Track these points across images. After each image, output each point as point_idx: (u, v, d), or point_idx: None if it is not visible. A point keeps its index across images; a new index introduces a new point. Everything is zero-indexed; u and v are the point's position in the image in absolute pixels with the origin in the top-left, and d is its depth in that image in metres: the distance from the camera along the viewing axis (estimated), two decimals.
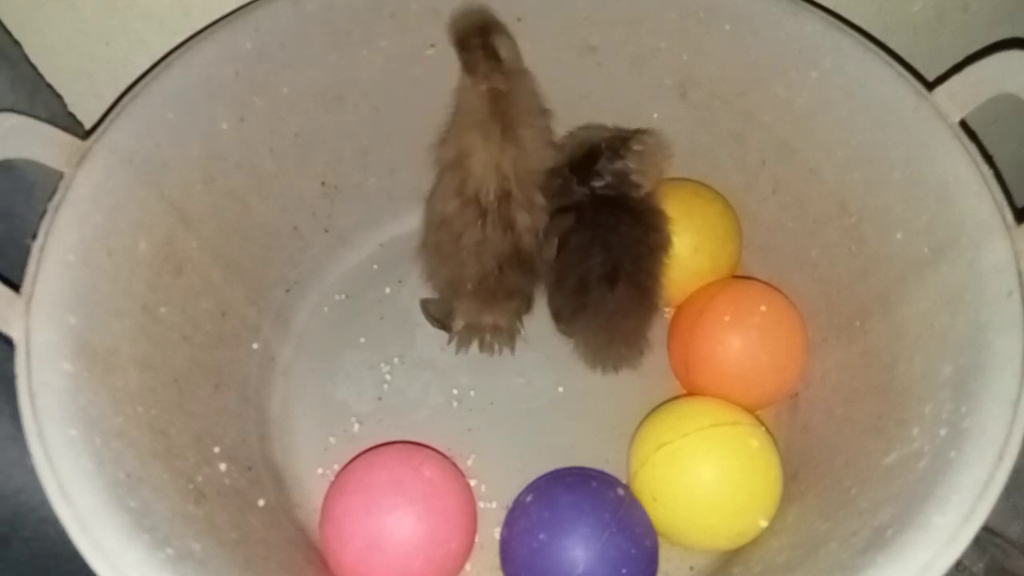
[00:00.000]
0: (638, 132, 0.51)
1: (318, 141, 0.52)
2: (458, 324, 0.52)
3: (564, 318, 0.51)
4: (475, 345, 0.53)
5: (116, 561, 0.32)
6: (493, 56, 0.46)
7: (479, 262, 0.47)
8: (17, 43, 0.46)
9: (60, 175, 0.39)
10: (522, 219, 0.47)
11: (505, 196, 0.46)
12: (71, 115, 0.50)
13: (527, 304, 0.52)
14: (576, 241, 0.49)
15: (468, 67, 0.47)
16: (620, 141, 0.50)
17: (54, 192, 0.39)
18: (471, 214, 0.46)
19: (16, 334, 0.36)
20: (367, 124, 0.53)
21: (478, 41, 0.46)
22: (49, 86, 0.48)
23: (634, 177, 0.49)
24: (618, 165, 0.49)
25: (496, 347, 0.53)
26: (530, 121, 0.48)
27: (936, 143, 0.41)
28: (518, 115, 0.47)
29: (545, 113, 0.50)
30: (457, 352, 0.53)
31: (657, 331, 0.53)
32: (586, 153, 0.50)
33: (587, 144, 0.50)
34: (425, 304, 0.55)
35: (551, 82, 0.53)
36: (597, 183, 0.49)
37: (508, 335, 0.52)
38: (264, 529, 0.44)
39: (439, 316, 0.54)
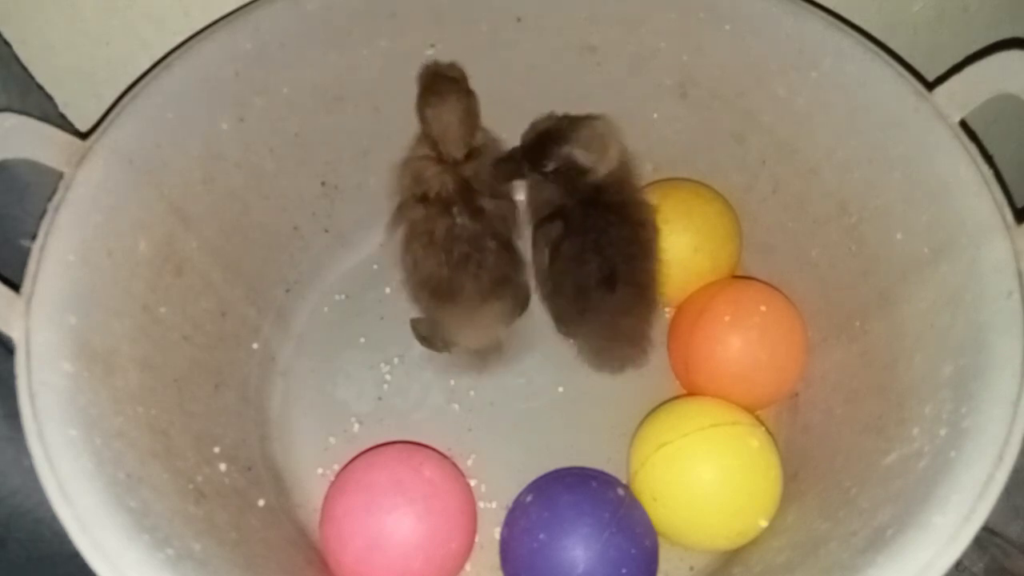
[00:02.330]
0: (588, 117, 0.49)
1: (318, 141, 0.52)
2: (453, 347, 0.52)
3: (566, 321, 0.51)
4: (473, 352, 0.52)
5: (116, 561, 0.32)
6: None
7: (457, 248, 0.46)
8: (7, 43, 0.46)
9: (56, 176, 0.39)
10: (488, 204, 0.47)
11: (466, 188, 0.46)
12: (62, 116, 0.49)
13: (520, 303, 0.52)
14: (568, 249, 0.48)
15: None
16: (568, 123, 0.49)
17: (54, 192, 0.39)
18: (436, 211, 0.46)
19: (16, 334, 0.36)
20: (367, 124, 0.53)
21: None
22: (40, 87, 0.48)
23: (580, 160, 0.48)
24: (565, 149, 0.48)
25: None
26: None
27: (936, 143, 0.41)
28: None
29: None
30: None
31: (657, 331, 0.53)
32: (536, 137, 0.49)
33: (536, 129, 0.49)
34: (415, 324, 0.55)
35: (551, 82, 0.53)
36: (548, 166, 0.48)
37: (497, 351, 0.52)
38: (264, 529, 0.44)
39: (426, 334, 0.54)
